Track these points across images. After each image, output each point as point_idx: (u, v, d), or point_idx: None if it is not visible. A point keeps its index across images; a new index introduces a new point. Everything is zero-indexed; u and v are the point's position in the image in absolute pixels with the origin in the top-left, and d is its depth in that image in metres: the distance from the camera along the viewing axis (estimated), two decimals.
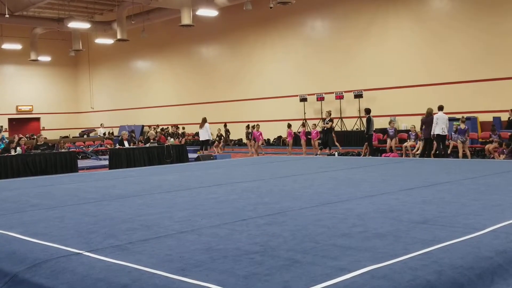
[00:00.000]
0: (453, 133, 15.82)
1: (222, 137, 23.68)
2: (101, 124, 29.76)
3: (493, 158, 14.71)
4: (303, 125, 20.70)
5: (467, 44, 18.79)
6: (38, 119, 36.27)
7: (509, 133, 15.00)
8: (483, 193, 7.42)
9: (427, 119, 15.38)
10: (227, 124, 25.16)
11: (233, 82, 27.39)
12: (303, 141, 19.70)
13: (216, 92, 28.21)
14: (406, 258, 4.09)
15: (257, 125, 20.71)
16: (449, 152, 15.40)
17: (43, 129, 34.56)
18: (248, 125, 21.14)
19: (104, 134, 27.82)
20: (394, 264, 3.92)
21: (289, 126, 20.23)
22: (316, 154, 18.25)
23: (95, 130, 31.30)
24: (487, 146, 15.32)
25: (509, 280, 3.86)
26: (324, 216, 6.00)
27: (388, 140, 17.16)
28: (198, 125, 21.31)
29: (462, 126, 15.46)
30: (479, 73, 18.42)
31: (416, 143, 16.85)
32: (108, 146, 23.35)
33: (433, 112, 15.45)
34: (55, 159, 15.24)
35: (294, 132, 20.32)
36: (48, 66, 35.57)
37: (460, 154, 15.16)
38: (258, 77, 26.16)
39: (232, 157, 19.17)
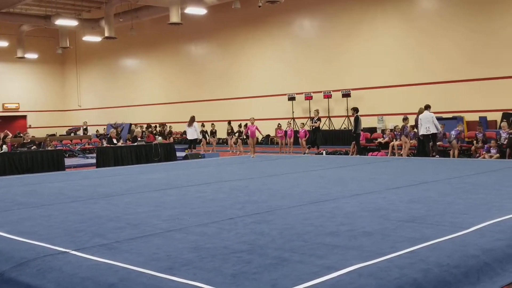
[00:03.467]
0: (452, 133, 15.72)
1: (208, 135, 23.40)
2: (84, 122, 29.61)
3: (479, 157, 14.81)
4: (290, 124, 20.31)
5: (455, 43, 18.92)
6: (24, 117, 35.95)
7: (495, 133, 15.12)
8: (469, 192, 7.48)
9: (418, 119, 15.37)
10: (206, 123, 24.54)
11: (222, 80, 27.35)
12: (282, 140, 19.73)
13: (204, 90, 28.15)
14: (393, 256, 4.11)
15: (252, 118, 18.45)
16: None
17: (30, 127, 34.26)
18: (241, 124, 20.46)
19: (85, 129, 27.80)
20: (381, 263, 3.94)
21: (279, 126, 20.21)
22: (304, 153, 18.27)
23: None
24: (473, 147, 15.41)
25: (495, 278, 3.89)
26: (312, 215, 6.02)
27: (394, 140, 16.96)
28: (186, 124, 21.14)
29: (459, 127, 15.54)
30: (466, 72, 18.57)
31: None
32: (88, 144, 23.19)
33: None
34: (42, 157, 15.12)
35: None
36: (35, 63, 35.26)
37: (451, 153, 15.29)
38: (247, 75, 26.14)
39: (221, 156, 19.15)
